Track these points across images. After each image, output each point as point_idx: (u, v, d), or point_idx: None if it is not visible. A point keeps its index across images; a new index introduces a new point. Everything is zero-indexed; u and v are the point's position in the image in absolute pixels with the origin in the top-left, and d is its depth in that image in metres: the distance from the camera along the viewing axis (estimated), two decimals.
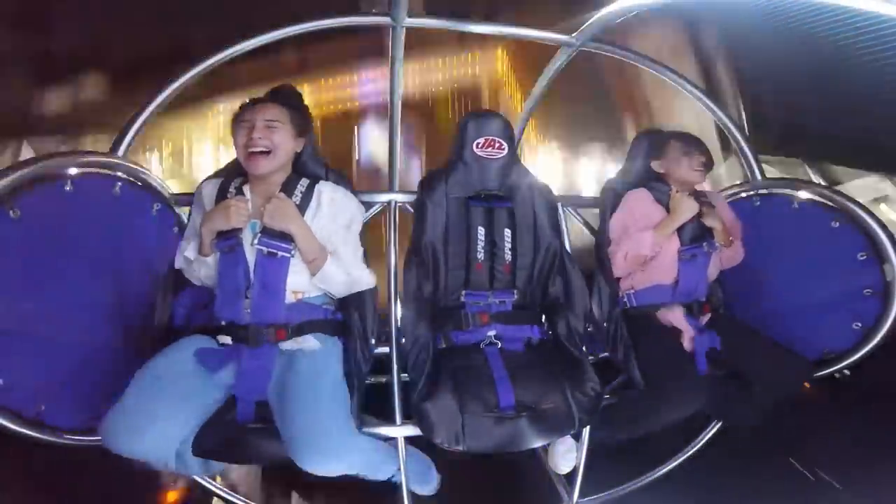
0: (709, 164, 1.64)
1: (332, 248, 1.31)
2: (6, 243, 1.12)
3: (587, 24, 1.53)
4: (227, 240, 1.24)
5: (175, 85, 1.46)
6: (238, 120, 1.30)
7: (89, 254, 1.31)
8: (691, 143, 1.65)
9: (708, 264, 1.64)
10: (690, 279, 1.60)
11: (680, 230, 1.59)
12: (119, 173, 1.40)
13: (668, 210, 1.61)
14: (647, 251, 1.58)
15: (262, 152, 1.26)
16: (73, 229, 1.27)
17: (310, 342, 1.27)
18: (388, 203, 1.69)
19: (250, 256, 1.25)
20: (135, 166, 1.45)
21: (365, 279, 1.37)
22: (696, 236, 1.60)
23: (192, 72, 1.47)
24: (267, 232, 1.25)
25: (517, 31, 1.60)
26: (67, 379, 1.23)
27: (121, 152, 1.42)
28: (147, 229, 1.48)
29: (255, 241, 1.24)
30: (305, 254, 1.27)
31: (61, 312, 1.24)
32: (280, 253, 1.24)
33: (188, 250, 1.31)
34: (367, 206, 1.68)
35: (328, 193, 1.36)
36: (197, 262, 1.30)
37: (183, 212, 1.57)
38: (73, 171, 1.26)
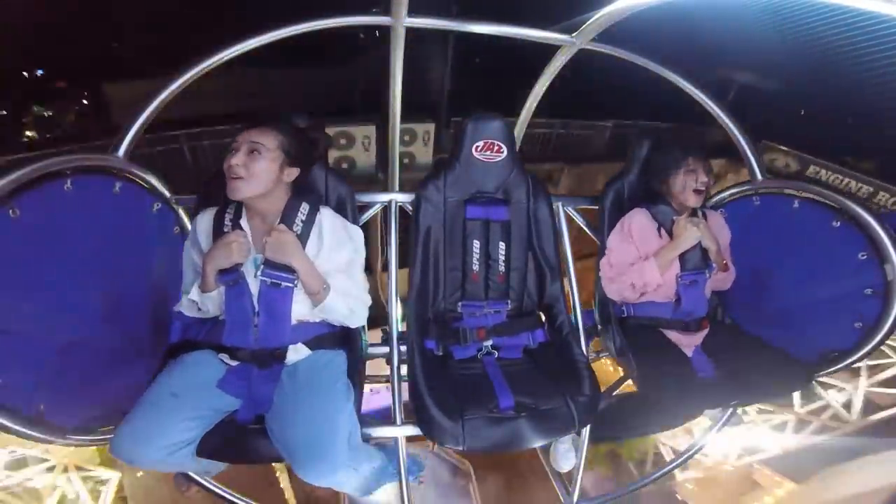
0: (710, 184, 1.60)
1: (334, 282, 1.30)
2: (6, 243, 1.12)
3: (587, 24, 1.52)
4: (230, 274, 1.25)
5: (174, 85, 1.46)
6: (231, 142, 1.28)
7: (89, 254, 1.31)
8: (696, 160, 1.58)
9: (706, 285, 1.63)
10: (690, 300, 1.59)
11: (681, 256, 1.57)
12: (119, 173, 1.40)
13: (669, 234, 1.59)
14: (652, 286, 1.56)
15: (237, 177, 1.24)
16: (73, 229, 1.27)
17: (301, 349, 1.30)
18: (389, 203, 1.69)
19: (254, 288, 1.26)
20: (135, 166, 1.44)
21: (362, 315, 1.37)
22: (697, 264, 1.59)
23: (192, 72, 1.46)
24: (269, 264, 1.26)
25: (517, 31, 1.59)
26: (67, 378, 1.22)
27: (121, 152, 1.42)
28: (147, 229, 1.48)
29: (259, 274, 1.25)
30: (308, 287, 1.28)
31: (61, 312, 1.24)
32: (283, 283, 1.26)
33: (192, 293, 1.30)
34: (368, 206, 1.68)
35: (329, 223, 1.35)
36: (202, 299, 1.30)
37: (183, 212, 1.57)
38: (72, 171, 1.26)
